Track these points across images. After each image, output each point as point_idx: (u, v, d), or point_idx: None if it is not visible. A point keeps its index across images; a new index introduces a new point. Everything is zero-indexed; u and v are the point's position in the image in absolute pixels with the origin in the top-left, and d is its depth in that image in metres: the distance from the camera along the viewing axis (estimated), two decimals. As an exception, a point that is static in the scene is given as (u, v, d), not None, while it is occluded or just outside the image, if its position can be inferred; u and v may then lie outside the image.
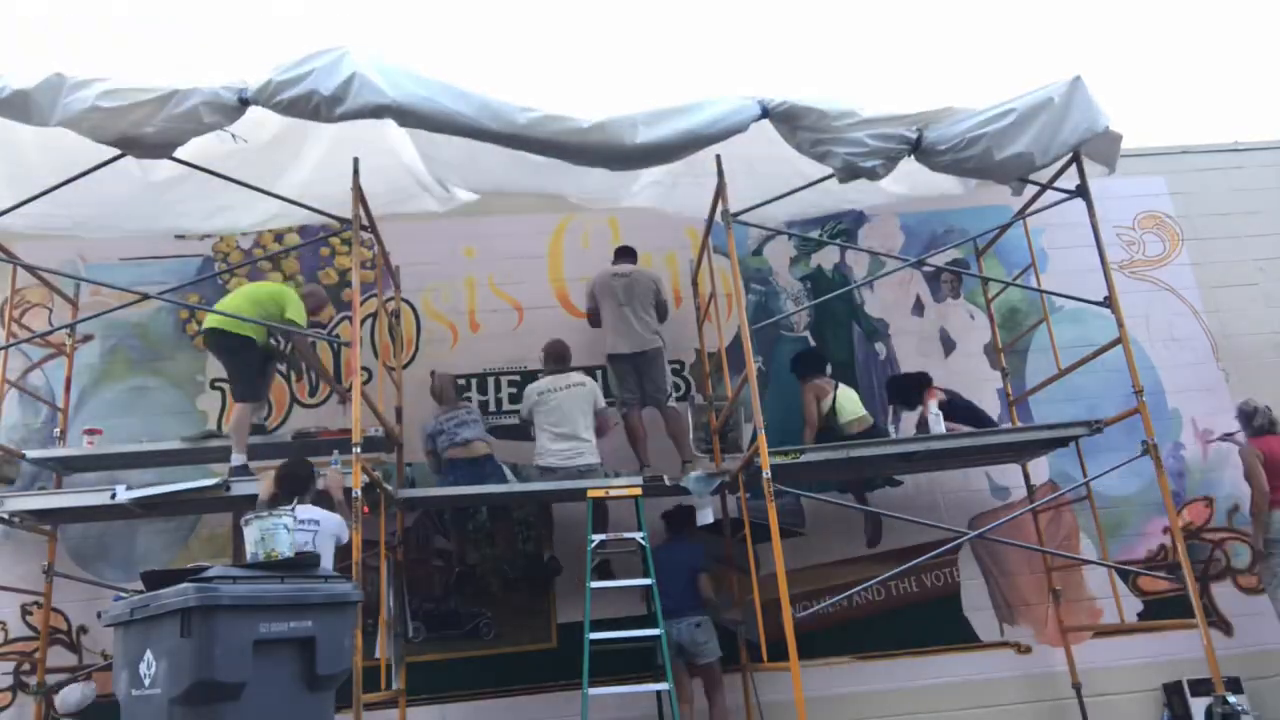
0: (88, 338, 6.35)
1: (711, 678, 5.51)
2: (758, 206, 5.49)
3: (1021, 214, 6.24)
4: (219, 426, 6.28)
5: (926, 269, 6.77)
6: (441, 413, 5.93)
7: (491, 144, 4.89)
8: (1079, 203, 5.60)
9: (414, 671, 5.77)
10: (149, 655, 3.11)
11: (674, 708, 4.97)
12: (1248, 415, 6.18)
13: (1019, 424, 6.42)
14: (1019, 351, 6.88)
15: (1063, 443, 5.78)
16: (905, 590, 6.32)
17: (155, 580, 3.30)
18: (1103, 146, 5.66)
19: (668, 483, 5.62)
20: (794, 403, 6.35)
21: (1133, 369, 5.23)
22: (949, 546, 5.63)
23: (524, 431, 6.05)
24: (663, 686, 4.97)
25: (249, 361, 5.55)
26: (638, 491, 5.39)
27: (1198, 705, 5.64)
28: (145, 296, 5.43)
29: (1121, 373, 5.31)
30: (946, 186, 6.43)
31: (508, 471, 5.89)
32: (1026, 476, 6.40)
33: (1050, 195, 5.83)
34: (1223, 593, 6.44)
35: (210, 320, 5.53)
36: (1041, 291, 6.30)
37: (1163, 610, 6.12)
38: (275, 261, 6.75)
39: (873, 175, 5.25)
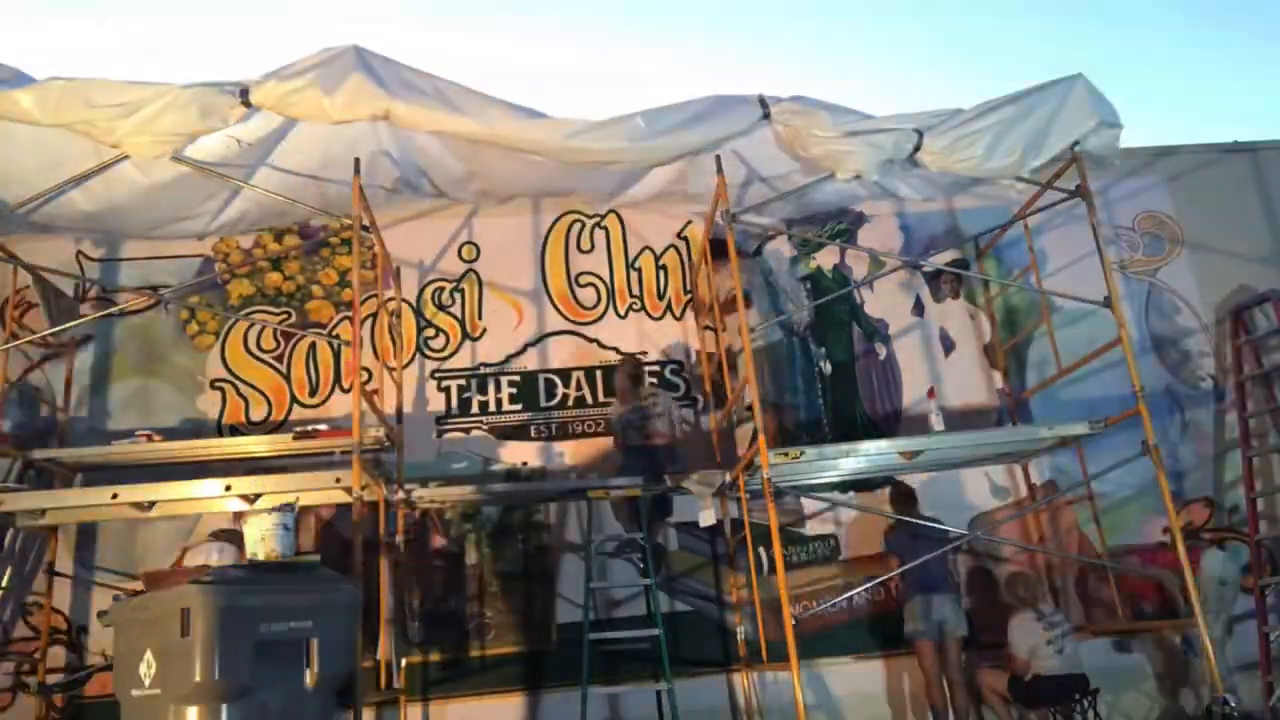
0: (88, 338, 6.34)
1: (955, 652, 5.54)
2: (763, 204, 5.50)
3: (1022, 214, 6.24)
4: (219, 427, 6.29)
5: (926, 269, 6.76)
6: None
7: (492, 144, 4.89)
8: (1079, 203, 5.60)
9: (414, 671, 5.77)
10: (149, 655, 3.11)
11: (674, 707, 4.96)
12: None
13: (1019, 424, 6.42)
14: (1019, 351, 6.88)
15: (1063, 443, 5.77)
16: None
17: (155, 580, 3.30)
18: (1102, 141, 5.65)
19: (669, 483, 5.61)
20: (793, 402, 6.31)
21: (1133, 369, 5.23)
22: (949, 547, 5.63)
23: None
24: (663, 686, 4.97)
25: None
26: (637, 492, 5.39)
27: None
28: (147, 296, 5.43)
29: (1121, 373, 5.32)
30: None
31: None
32: (1027, 476, 6.39)
33: (1050, 195, 5.83)
34: (1222, 593, 6.43)
35: None
36: (1042, 291, 6.30)
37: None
38: (275, 262, 6.74)
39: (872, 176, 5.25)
